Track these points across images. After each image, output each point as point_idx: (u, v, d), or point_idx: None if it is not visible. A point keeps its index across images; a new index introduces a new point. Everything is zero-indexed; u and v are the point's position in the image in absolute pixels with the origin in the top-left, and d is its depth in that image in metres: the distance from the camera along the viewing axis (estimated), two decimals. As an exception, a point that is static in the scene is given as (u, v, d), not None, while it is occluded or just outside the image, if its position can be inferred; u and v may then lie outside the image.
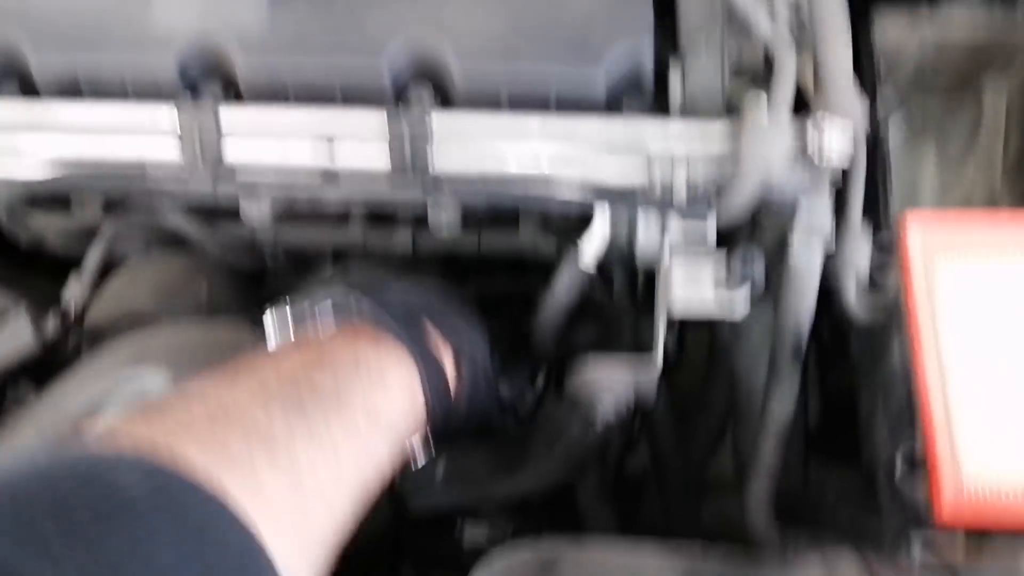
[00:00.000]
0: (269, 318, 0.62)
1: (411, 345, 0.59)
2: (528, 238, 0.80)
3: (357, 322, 0.61)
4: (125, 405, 0.66)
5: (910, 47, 0.82)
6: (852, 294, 0.70)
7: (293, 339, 0.61)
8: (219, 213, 0.83)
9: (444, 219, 0.77)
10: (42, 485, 0.38)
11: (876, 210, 0.76)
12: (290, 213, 0.83)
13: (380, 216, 0.84)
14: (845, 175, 0.71)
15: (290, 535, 0.44)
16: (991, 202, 0.84)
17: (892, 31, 0.82)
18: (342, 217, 0.84)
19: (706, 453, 1.01)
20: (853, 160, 0.71)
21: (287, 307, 0.62)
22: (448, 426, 0.63)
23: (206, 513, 0.41)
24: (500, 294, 0.84)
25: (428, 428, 0.61)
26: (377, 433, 0.54)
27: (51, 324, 0.73)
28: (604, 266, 0.83)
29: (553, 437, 0.78)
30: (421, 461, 0.64)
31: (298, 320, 0.62)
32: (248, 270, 0.85)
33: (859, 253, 0.69)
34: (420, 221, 0.80)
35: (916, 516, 0.66)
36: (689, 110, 0.70)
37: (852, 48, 0.66)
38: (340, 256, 0.86)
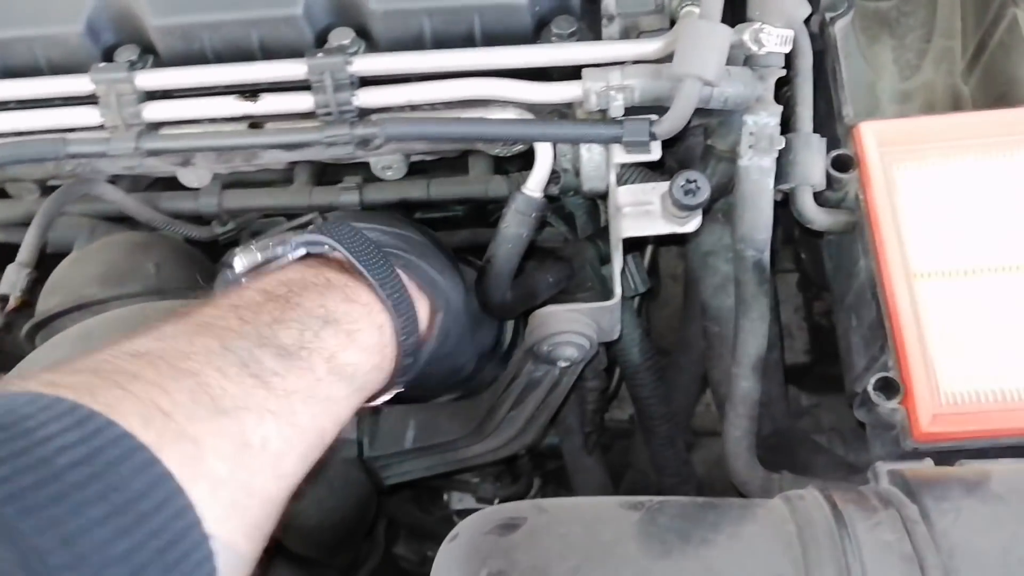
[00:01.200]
0: (237, 260, 0.59)
1: (383, 292, 0.56)
2: (479, 182, 0.77)
3: (328, 263, 0.58)
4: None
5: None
6: (809, 207, 0.67)
7: (261, 282, 0.57)
8: (159, 185, 0.81)
9: (387, 164, 0.75)
10: None
11: (832, 124, 0.73)
12: (234, 179, 0.81)
13: (325, 174, 0.82)
14: (792, 85, 0.68)
15: (227, 493, 0.42)
16: (954, 103, 0.81)
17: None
18: (287, 180, 0.82)
19: (690, 396, 0.99)
20: (798, 68, 0.68)
21: (255, 247, 0.59)
22: (418, 374, 0.61)
23: (133, 466, 0.39)
24: (463, 244, 0.81)
25: (396, 376, 0.59)
26: (341, 388, 0.52)
27: (-9, 313, 0.71)
28: (563, 205, 0.80)
29: (521, 394, 0.76)
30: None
31: (267, 259, 0.59)
32: (200, 242, 0.83)
33: (813, 164, 0.66)
34: (367, 176, 0.78)
35: (892, 439, 0.63)
36: (626, 30, 0.67)
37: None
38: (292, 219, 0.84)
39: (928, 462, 0.57)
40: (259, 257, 0.58)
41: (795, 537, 0.50)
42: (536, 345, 0.68)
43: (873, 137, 0.67)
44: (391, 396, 0.61)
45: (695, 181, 0.61)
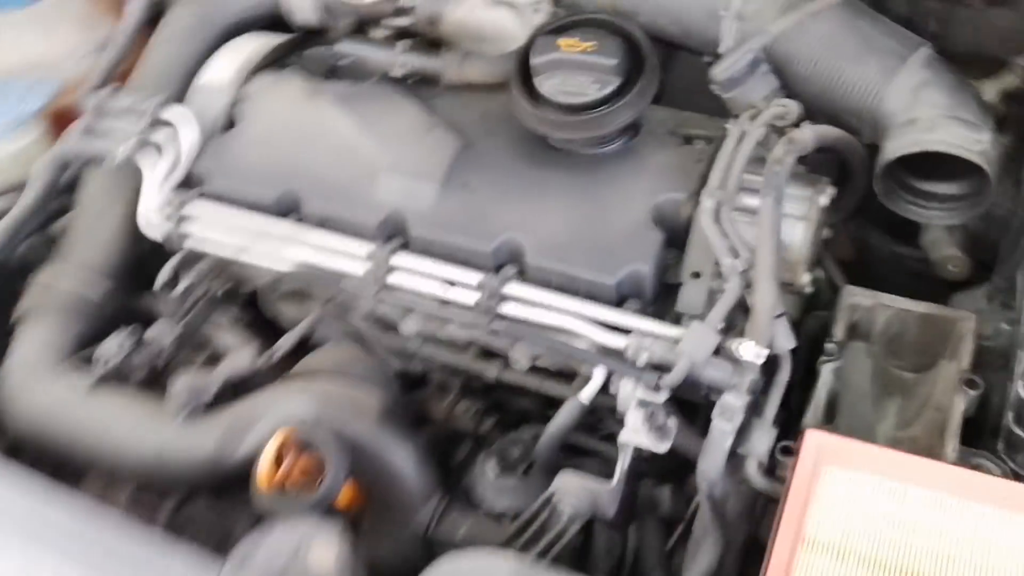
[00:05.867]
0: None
1: None
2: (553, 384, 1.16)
3: None
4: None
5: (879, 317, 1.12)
6: (751, 471, 0.98)
7: None
8: (386, 325, 1.28)
9: (519, 359, 1.16)
10: None
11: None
12: (430, 336, 1.25)
13: (486, 352, 1.24)
14: (769, 385, 1.01)
15: None
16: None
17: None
18: (464, 347, 1.25)
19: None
20: (774, 380, 1.01)
21: None
22: None
23: None
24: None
25: None
26: None
27: (262, 359, 1.19)
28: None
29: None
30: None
31: None
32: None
33: (761, 443, 0.98)
34: (506, 360, 1.20)
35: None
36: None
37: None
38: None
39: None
40: None
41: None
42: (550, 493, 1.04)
43: (815, 439, 0.97)
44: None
45: (664, 424, 0.97)
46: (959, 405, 1.05)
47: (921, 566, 0.84)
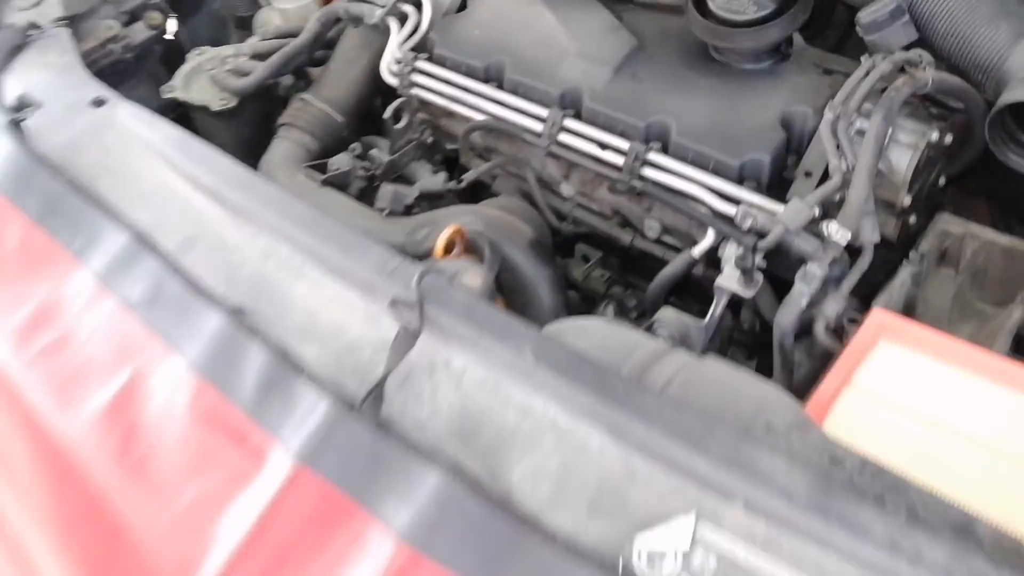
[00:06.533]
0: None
1: None
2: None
3: None
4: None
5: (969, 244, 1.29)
6: (819, 330, 1.19)
7: None
8: (550, 186, 1.56)
9: (652, 226, 1.42)
10: None
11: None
12: (583, 200, 1.53)
13: (624, 223, 1.50)
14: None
15: None
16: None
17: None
18: (609, 215, 1.51)
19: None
20: (857, 262, 1.22)
21: None
22: None
23: None
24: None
25: None
26: None
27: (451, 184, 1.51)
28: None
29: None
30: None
31: None
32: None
33: (831, 308, 1.19)
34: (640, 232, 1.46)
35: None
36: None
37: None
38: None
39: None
40: None
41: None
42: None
43: (880, 316, 1.16)
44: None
45: (753, 272, 1.20)
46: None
47: (957, 425, 0.91)
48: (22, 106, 1.38)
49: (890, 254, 1.30)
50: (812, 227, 1.21)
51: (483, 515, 0.83)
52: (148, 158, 1.23)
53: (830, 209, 1.23)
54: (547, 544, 0.80)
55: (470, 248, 1.33)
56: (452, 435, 0.90)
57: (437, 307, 0.94)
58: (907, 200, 1.31)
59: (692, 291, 1.42)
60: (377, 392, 0.91)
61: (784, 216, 1.20)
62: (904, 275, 1.27)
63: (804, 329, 1.22)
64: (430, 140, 1.62)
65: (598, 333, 1.03)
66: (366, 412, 0.90)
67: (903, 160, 1.29)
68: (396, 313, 0.94)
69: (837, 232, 1.19)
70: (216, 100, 1.63)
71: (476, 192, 1.57)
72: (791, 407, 0.91)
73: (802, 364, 1.25)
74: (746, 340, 1.39)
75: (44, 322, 1.16)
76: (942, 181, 1.42)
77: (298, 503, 0.90)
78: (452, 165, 1.67)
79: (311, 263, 1.06)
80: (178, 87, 1.65)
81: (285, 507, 0.91)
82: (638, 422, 0.84)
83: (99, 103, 1.34)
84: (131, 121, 1.29)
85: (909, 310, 1.29)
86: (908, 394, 0.97)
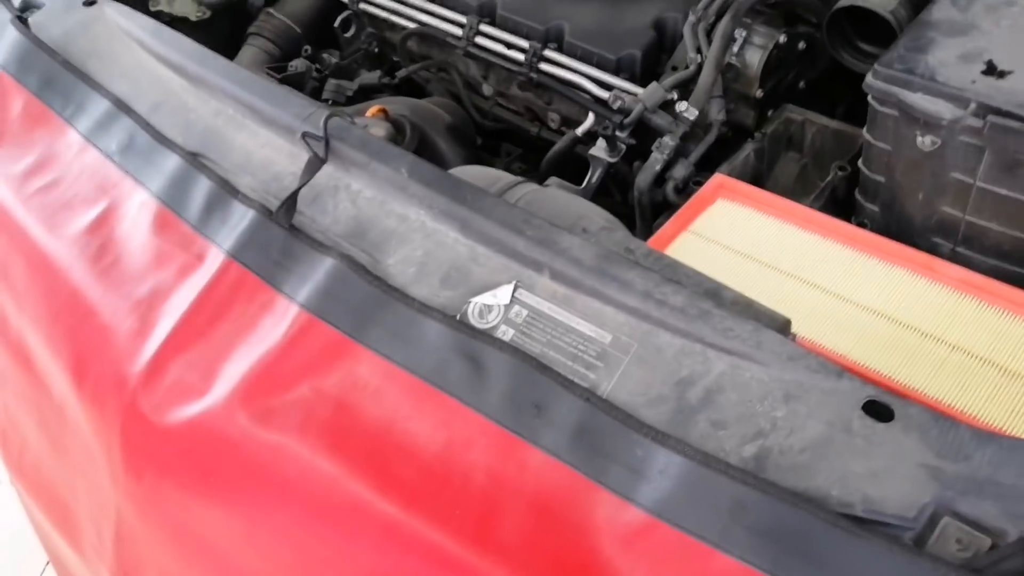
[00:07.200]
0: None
1: None
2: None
3: None
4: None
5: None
6: (668, 189, 1.46)
7: None
8: (470, 86, 1.83)
9: (553, 118, 1.68)
10: None
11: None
12: (500, 98, 1.79)
13: (533, 116, 1.76)
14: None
15: None
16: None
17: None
18: (522, 112, 1.78)
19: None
20: (705, 137, 1.49)
21: None
22: None
23: None
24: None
25: None
26: None
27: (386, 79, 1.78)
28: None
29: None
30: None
31: None
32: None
33: (679, 172, 1.46)
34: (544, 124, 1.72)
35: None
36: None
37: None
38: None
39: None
40: None
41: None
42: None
43: (719, 180, 1.43)
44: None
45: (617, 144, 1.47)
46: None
47: (782, 264, 1.14)
48: (27, 7, 1.66)
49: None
50: (670, 109, 1.47)
51: (364, 287, 1.09)
52: (127, 42, 1.51)
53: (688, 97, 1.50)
54: (409, 304, 1.07)
55: (391, 121, 1.60)
56: (347, 236, 1.17)
57: (340, 141, 1.21)
58: (759, 93, 1.56)
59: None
60: (289, 203, 1.18)
61: (643, 96, 1.46)
62: (747, 149, 1.53)
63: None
64: (376, 50, 1.89)
65: (476, 172, 1.30)
66: (280, 218, 1.17)
67: (755, 58, 1.55)
68: (307, 144, 1.21)
69: (687, 110, 1.45)
70: (194, 12, 1.90)
71: (413, 96, 1.84)
72: (605, 217, 1.17)
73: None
74: (628, 213, 1.66)
75: (40, 170, 1.44)
76: (802, 84, 1.67)
77: (225, 286, 1.18)
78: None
79: (250, 117, 1.33)
80: (162, 1, 1.92)
81: (216, 289, 1.18)
82: (481, 218, 1.11)
83: (90, 3, 1.61)
84: (115, 15, 1.56)
85: (756, 183, 1.55)
86: (734, 236, 1.23)
